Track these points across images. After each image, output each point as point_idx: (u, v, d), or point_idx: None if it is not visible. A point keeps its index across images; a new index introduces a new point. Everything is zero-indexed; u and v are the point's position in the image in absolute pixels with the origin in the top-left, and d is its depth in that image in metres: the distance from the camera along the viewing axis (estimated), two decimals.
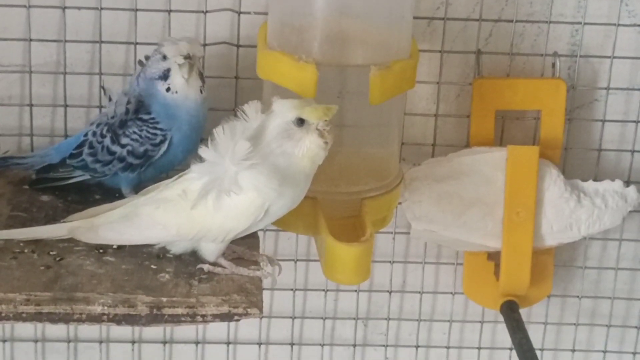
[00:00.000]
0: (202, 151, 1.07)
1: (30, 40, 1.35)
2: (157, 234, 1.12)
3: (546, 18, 1.36)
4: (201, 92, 1.21)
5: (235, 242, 1.13)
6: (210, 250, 1.12)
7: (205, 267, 1.12)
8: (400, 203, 1.35)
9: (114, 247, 1.15)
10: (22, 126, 1.40)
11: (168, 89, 1.20)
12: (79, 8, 1.34)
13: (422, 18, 1.35)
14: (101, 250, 1.14)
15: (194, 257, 1.13)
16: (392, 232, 1.42)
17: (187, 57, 1.18)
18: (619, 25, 1.36)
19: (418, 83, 1.31)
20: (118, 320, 1.05)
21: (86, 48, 1.36)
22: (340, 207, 1.23)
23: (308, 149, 1.07)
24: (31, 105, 1.38)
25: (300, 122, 1.06)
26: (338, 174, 1.22)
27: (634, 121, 1.39)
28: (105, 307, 1.05)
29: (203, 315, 1.06)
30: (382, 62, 1.16)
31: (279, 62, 1.17)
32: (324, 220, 1.18)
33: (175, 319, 1.06)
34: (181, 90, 1.20)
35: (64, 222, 1.15)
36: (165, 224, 1.10)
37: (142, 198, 1.14)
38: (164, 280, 1.10)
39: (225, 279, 1.12)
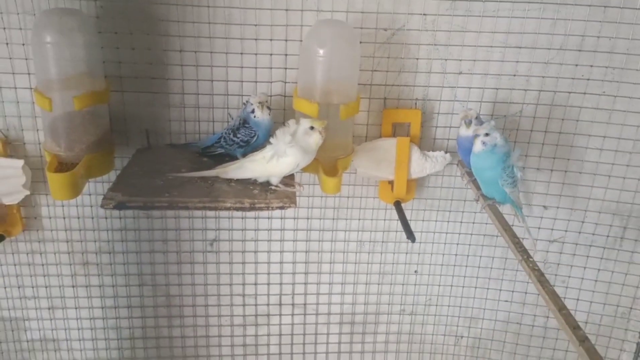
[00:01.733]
0: (271, 139, 1.06)
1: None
2: (252, 174, 1.08)
3: (413, 84, 1.35)
4: (268, 115, 1.17)
5: (286, 177, 1.11)
6: (275, 180, 1.09)
7: (273, 187, 1.10)
8: (353, 160, 1.34)
9: (235, 179, 1.11)
10: (194, 130, 1.34)
11: (255, 115, 1.17)
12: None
13: (362, 84, 1.34)
14: (230, 181, 1.11)
15: (268, 183, 1.10)
16: (352, 172, 1.42)
17: (261, 102, 1.15)
18: (443, 87, 1.35)
19: (362, 111, 1.33)
20: (236, 209, 1.01)
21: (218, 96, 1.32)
22: (328, 162, 1.21)
23: (315, 139, 1.05)
24: (199, 121, 1.32)
25: (312, 128, 1.04)
26: (327, 149, 1.20)
27: (448, 127, 1.39)
28: (230, 204, 1.01)
29: (272, 207, 1.03)
30: (345, 102, 1.15)
31: (302, 102, 1.14)
32: (321, 167, 1.19)
33: (259, 208, 1.02)
34: (259, 115, 1.17)
35: (214, 169, 1.11)
36: (254, 170, 1.07)
37: (246, 159, 1.10)
38: (255, 193, 1.07)
39: (281, 191, 1.09)
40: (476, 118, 1.25)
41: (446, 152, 1.38)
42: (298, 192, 1.09)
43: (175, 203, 0.95)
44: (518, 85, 1.37)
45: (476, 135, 1.16)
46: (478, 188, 1.26)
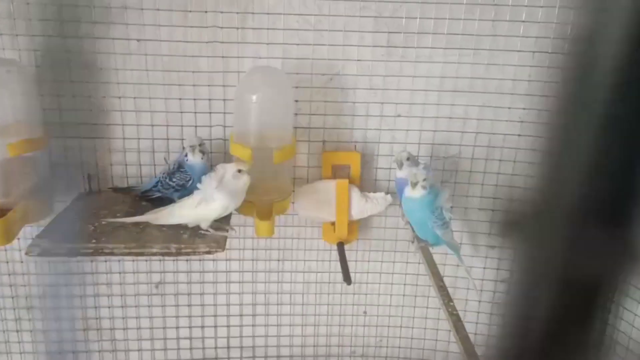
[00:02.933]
0: (198, 185, 1.08)
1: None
2: (182, 219, 1.08)
3: (351, 127, 1.38)
4: (201, 159, 1.18)
5: (217, 220, 1.10)
6: (204, 224, 1.09)
7: (203, 231, 1.09)
8: (293, 203, 1.37)
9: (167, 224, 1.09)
10: (136, 174, 1.37)
11: (187, 159, 1.19)
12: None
13: (302, 127, 1.38)
14: (162, 225, 1.10)
15: (199, 227, 1.10)
16: (293, 214, 1.44)
17: (192, 146, 1.17)
18: (381, 129, 1.38)
19: (302, 153, 1.36)
20: (163, 254, 1.01)
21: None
22: (264, 205, 1.24)
23: (244, 182, 1.07)
24: (140, 165, 1.36)
25: (239, 170, 1.06)
26: (262, 192, 1.22)
27: (389, 168, 1.42)
28: (157, 249, 1.02)
29: (198, 252, 1.03)
30: (279, 146, 1.17)
31: (237, 147, 1.15)
32: (255, 210, 1.21)
33: (186, 253, 1.02)
34: (191, 159, 1.18)
35: (145, 215, 1.10)
36: (183, 215, 1.07)
37: (176, 205, 1.10)
38: (184, 237, 1.07)
39: (210, 235, 1.09)
40: (408, 159, 1.28)
41: (387, 193, 1.41)
42: (230, 236, 1.10)
43: (100, 249, 0.97)
44: (455, 127, 1.41)
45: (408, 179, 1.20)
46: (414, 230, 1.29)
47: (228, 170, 1.05)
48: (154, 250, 1.00)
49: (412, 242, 1.31)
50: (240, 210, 1.25)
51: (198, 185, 1.06)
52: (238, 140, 1.16)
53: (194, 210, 1.05)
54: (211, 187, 1.04)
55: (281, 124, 1.20)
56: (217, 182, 1.04)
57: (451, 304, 1.00)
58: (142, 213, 1.09)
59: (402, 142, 1.41)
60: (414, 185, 1.07)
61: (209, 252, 1.02)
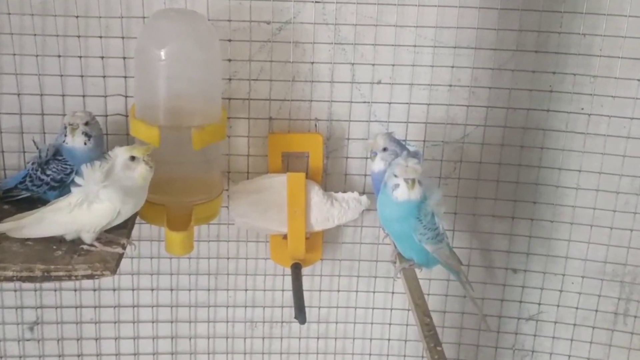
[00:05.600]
0: (76, 179, 1.06)
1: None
2: (57, 229, 1.08)
3: (310, 98, 1.37)
4: (85, 144, 1.17)
5: (108, 230, 1.10)
6: (87, 236, 1.08)
7: (85, 247, 1.09)
8: (227, 207, 1.35)
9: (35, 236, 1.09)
10: None
11: (65, 142, 1.18)
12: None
13: (237, 99, 1.36)
14: (26, 239, 1.10)
15: (80, 241, 1.09)
16: (226, 224, 1.43)
17: (72, 124, 1.16)
18: (353, 102, 1.38)
19: (239, 136, 1.36)
20: (22, 279, 1.01)
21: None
22: (179, 210, 1.23)
23: (140, 173, 1.06)
24: (2, 151, 1.34)
25: (132, 158, 1.06)
26: (178, 190, 1.23)
27: (365, 158, 1.40)
28: (14, 272, 1.02)
29: (76, 276, 1.03)
30: (201, 125, 1.18)
31: (139, 126, 1.17)
32: (166, 218, 1.21)
33: (57, 278, 1.02)
34: (70, 142, 1.18)
35: (3, 223, 1.10)
36: (58, 222, 1.06)
37: (47, 208, 1.09)
38: (58, 255, 1.07)
39: (96, 252, 1.09)
40: (384, 150, 1.26)
41: (362, 194, 1.39)
42: (128, 254, 1.14)
43: None
44: (458, 99, 1.39)
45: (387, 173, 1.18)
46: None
47: (118, 157, 1.03)
48: (10, 273, 0.99)
49: (394, 262, 1.27)
50: (144, 215, 1.23)
51: (76, 179, 1.04)
52: (141, 115, 1.16)
53: (70, 215, 1.04)
54: (95, 182, 1.02)
55: (204, 92, 1.18)
56: (103, 174, 1.02)
57: (439, 349, 0.98)
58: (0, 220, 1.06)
59: (382, 121, 1.40)
60: (408, 183, 1.09)
61: (91, 277, 1.01)
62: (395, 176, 1.12)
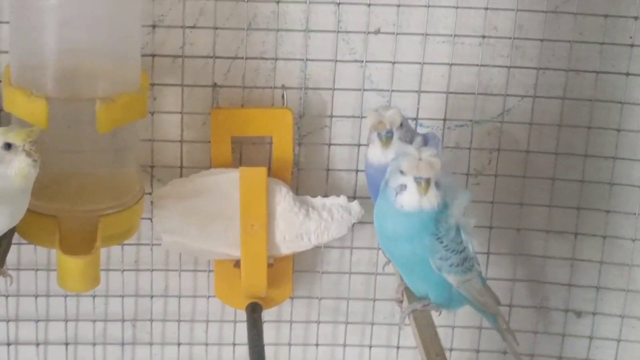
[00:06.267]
0: None
1: None
2: None
3: (274, 56, 1.37)
4: None
5: None
6: None
7: None
8: (150, 219, 1.37)
9: None
10: None
11: None
12: None
13: (165, 56, 1.37)
14: None
15: None
16: (149, 244, 1.43)
17: None
18: (338, 61, 1.39)
19: (166, 113, 1.37)
20: None
21: None
22: (78, 224, 1.23)
23: (19, 169, 1.06)
24: None
25: (8, 146, 1.06)
26: (75, 194, 1.23)
27: (357, 144, 1.40)
28: None
29: None
30: (109, 95, 1.17)
31: (17, 97, 1.17)
32: (58, 236, 1.20)
33: None
34: None
35: None
36: None
37: None
38: None
39: None
40: (401, 126, 1.26)
41: (352, 199, 1.40)
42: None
43: None
44: (494, 56, 1.40)
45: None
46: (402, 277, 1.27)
47: None
48: None
49: (400, 301, 1.28)
50: (25, 232, 1.23)
51: None
52: (20, 81, 1.17)
53: None
54: None
55: (114, 47, 1.19)
56: None
57: None
58: None
59: (382, 89, 1.41)
60: (420, 184, 1.10)
61: None
62: (402, 173, 1.12)
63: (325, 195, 1.39)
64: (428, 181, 1.09)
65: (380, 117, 1.23)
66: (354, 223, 1.38)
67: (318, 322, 1.49)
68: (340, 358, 1.49)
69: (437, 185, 1.11)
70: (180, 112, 1.38)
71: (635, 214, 1.42)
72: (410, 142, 1.19)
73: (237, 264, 1.38)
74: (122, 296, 1.45)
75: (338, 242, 1.42)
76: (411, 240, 1.14)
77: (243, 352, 1.44)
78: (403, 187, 1.10)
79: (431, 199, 1.11)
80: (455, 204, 1.16)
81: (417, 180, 1.09)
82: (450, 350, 1.45)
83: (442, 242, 1.14)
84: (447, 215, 1.15)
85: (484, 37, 1.38)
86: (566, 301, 1.47)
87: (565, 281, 1.46)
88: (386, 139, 1.23)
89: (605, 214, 1.43)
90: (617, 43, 1.37)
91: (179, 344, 1.48)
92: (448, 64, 1.39)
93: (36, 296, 1.43)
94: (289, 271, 1.42)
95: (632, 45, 1.36)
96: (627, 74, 1.38)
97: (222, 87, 1.37)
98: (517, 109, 1.40)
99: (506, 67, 1.39)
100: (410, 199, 1.10)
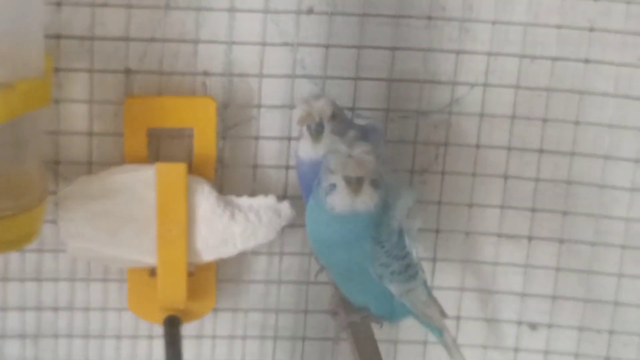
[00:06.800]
0: None
1: None
2: None
3: (195, 37, 1.37)
4: None
5: None
6: None
7: None
8: (55, 223, 1.36)
9: None
10: None
11: None
12: None
13: (72, 37, 1.36)
14: None
15: None
16: (53, 251, 1.42)
17: None
18: (267, 44, 1.39)
19: (73, 102, 1.37)
20: None
21: None
22: None
23: None
24: None
25: None
26: None
27: (287, 138, 1.41)
28: None
29: None
30: (6, 81, 1.17)
31: None
32: None
33: None
34: None
35: None
36: None
37: None
38: None
39: None
40: (333, 117, 1.26)
41: (283, 199, 1.40)
42: None
43: None
44: (442, 37, 1.41)
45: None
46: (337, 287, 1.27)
47: None
48: None
49: (334, 314, 1.28)
50: None
51: None
52: None
53: None
54: None
55: (13, 25, 1.19)
56: None
57: None
58: None
59: (315, 76, 1.41)
60: (350, 184, 1.10)
61: None
62: (331, 172, 1.11)
63: (252, 195, 1.39)
64: (360, 180, 1.08)
65: (309, 108, 1.24)
66: (283, 226, 1.39)
67: (244, 338, 1.49)
68: None
69: (375, 183, 1.10)
70: (89, 101, 1.37)
71: (595, 215, 1.43)
72: (345, 134, 1.19)
73: (152, 272, 1.39)
74: (23, 309, 1.44)
75: (266, 248, 1.42)
76: (348, 246, 1.14)
77: None
78: (333, 186, 1.10)
79: (366, 200, 1.10)
80: (398, 205, 1.16)
81: (347, 179, 1.08)
82: None
83: (383, 247, 1.15)
84: (389, 218, 1.15)
85: (430, 18, 1.38)
86: (519, 312, 1.48)
87: (519, 290, 1.47)
88: (316, 132, 1.24)
89: (562, 215, 1.44)
90: (575, 27, 1.38)
91: None
92: (390, 47, 1.39)
93: None
94: (212, 280, 1.43)
95: (591, 30, 1.38)
96: (586, 61, 1.39)
97: (136, 73, 1.37)
98: (467, 98, 1.41)
99: (454, 52, 1.39)
100: (341, 200, 1.10)
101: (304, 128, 1.25)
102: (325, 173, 1.11)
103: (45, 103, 1.23)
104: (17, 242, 1.28)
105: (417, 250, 1.19)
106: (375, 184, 1.11)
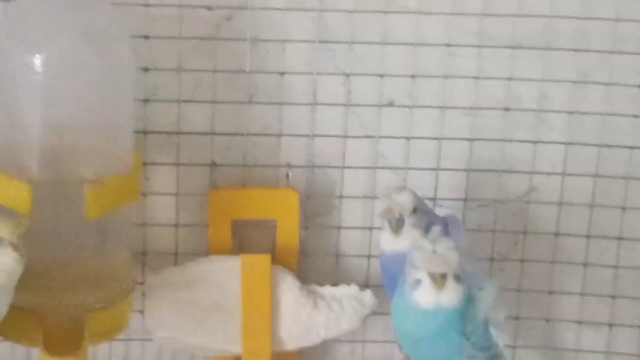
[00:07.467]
0: None
1: None
2: None
3: (279, 132, 1.39)
4: None
5: None
6: None
7: None
8: (141, 312, 1.36)
9: None
10: None
11: None
12: None
13: (159, 132, 1.39)
14: None
15: None
16: (140, 340, 1.44)
17: None
18: (348, 137, 1.40)
19: (160, 194, 1.38)
20: None
21: None
22: (63, 320, 1.23)
23: (3, 264, 1.06)
24: None
25: None
26: (59, 286, 1.23)
27: (369, 228, 1.40)
28: None
29: None
30: (98, 177, 1.19)
31: None
32: (41, 334, 1.19)
33: None
34: None
35: None
36: None
37: None
38: None
39: None
40: (414, 211, 1.26)
41: (365, 287, 1.40)
42: None
43: None
44: (518, 128, 1.41)
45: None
46: None
47: None
48: None
49: None
50: (5, 330, 1.22)
51: None
52: (2, 163, 1.16)
53: None
54: None
55: (104, 124, 1.21)
56: None
57: None
58: None
59: (396, 167, 1.41)
60: (435, 280, 1.08)
61: None
62: (416, 268, 1.11)
63: (335, 284, 1.38)
64: (444, 276, 1.07)
65: (390, 202, 1.24)
66: (366, 315, 1.37)
67: None
68: None
69: (459, 278, 1.09)
70: (176, 194, 1.38)
71: None
72: (427, 227, 1.20)
73: None
74: None
75: (349, 336, 1.41)
76: (434, 339, 1.13)
77: None
78: (418, 282, 1.09)
79: (450, 295, 1.09)
80: (482, 297, 1.16)
81: (432, 275, 1.07)
82: None
83: (469, 339, 1.14)
84: (474, 310, 1.15)
85: (506, 109, 1.38)
86: None
87: None
88: (396, 226, 1.24)
89: None
90: None
91: None
92: (468, 138, 1.39)
93: None
94: None
95: None
96: None
97: (220, 167, 1.38)
98: (544, 187, 1.41)
99: (532, 141, 1.39)
100: (426, 295, 1.09)
101: (385, 221, 1.24)
102: (410, 269, 1.11)
103: (134, 199, 1.26)
104: (106, 334, 1.28)
105: (504, 339, 1.18)
106: (458, 278, 1.10)
